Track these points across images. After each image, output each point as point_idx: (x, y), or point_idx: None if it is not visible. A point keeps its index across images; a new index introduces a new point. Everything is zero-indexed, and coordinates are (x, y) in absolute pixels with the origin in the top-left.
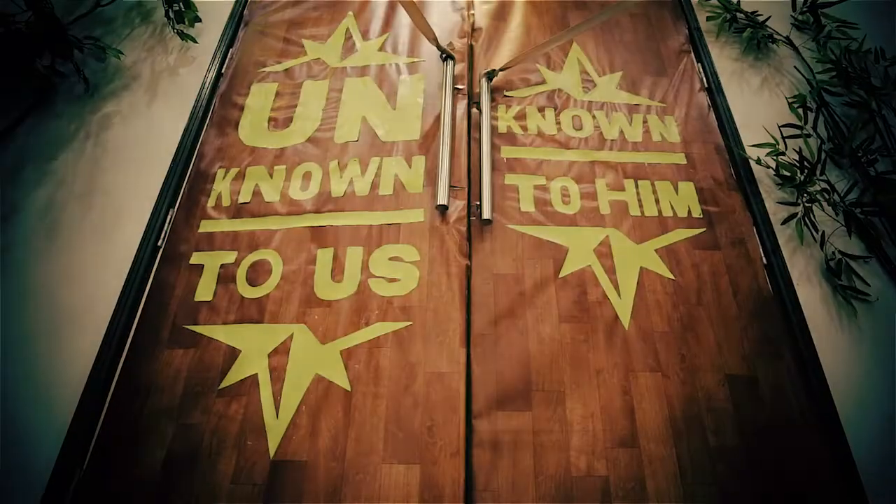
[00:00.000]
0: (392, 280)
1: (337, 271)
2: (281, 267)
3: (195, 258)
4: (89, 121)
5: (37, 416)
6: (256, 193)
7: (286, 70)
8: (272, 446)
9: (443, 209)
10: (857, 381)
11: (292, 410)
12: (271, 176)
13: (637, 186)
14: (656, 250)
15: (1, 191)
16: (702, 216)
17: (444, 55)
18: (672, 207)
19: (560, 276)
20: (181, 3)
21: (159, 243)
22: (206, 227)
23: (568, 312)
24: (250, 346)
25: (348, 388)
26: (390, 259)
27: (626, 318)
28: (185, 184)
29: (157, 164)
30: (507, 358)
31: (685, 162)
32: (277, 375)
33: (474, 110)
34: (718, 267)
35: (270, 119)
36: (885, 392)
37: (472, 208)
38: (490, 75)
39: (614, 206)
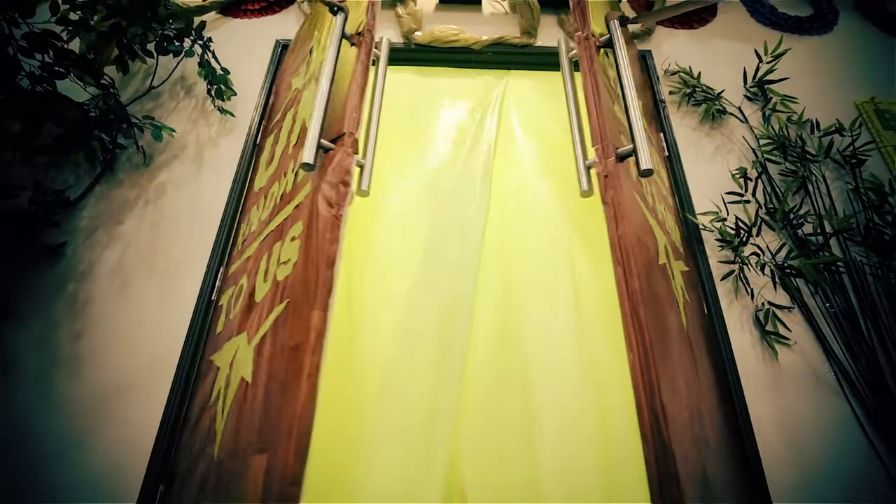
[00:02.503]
0: (285, 262)
1: (265, 271)
2: (246, 284)
3: (221, 300)
4: (147, 188)
5: (122, 446)
6: (250, 227)
7: (281, 114)
8: (215, 451)
9: (307, 167)
10: (777, 413)
11: (226, 413)
12: (258, 209)
13: (664, 207)
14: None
15: (79, 251)
16: (685, 256)
17: (334, 8)
18: (676, 239)
19: (659, 262)
20: (221, 84)
21: (213, 297)
22: (231, 271)
23: (676, 301)
24: (223, 362)
25: (249, 382)
26: (290, 241)
27: (684, 323)
28: (230, 244)
29: (207, 227)
30: (672, 333)
31: (673, 204)
32: (227, 383)
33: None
34: (696, 302)
35: (267, 163)
36: (799, 422)
37: (605, 150)
38: (623, 20)
39: (659, 216)
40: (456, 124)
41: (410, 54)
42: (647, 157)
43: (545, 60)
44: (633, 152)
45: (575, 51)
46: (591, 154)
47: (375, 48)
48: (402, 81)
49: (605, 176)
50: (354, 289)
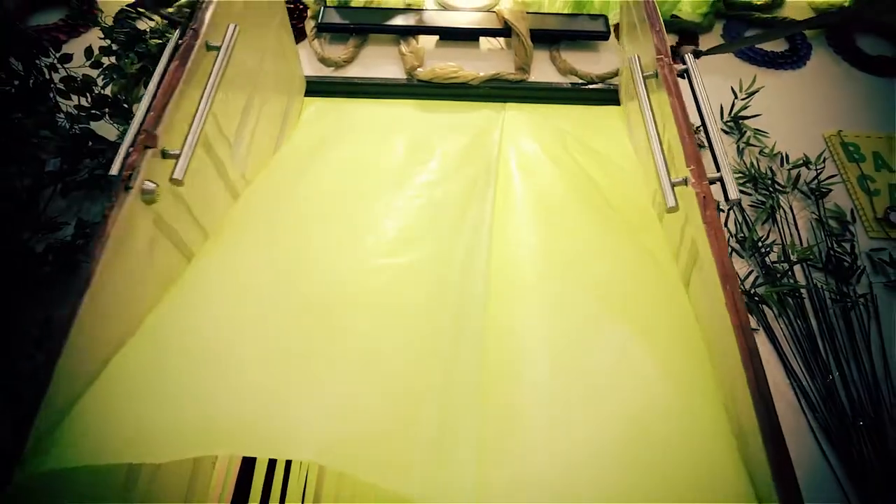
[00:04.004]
0: None
1: None
2: None
3: None
4: None
5: None
6: None
7: None
8: None
9: (113, 178)
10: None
11: None
12: None
13: None
14: None
15: None
16: None
17: (174, 23)
18: None
19: None
20: None
21: None
22: None
23: None
24: None
25: None
26: None
27: None
28: None
29: None
30: None
31: None
32: None
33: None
34: None
35: None
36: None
37: (700, 171)
38: (697, 54)
39: None
40: (458, 154)
41: (413, 90)
42: (735, 186)
43: (538, 95)
44: (720, 180)
45: (650, 71)
46: (674, 174)
47: (214, 42)
48: (405, 116)
49: (704, 197)
50: (337, 300)
